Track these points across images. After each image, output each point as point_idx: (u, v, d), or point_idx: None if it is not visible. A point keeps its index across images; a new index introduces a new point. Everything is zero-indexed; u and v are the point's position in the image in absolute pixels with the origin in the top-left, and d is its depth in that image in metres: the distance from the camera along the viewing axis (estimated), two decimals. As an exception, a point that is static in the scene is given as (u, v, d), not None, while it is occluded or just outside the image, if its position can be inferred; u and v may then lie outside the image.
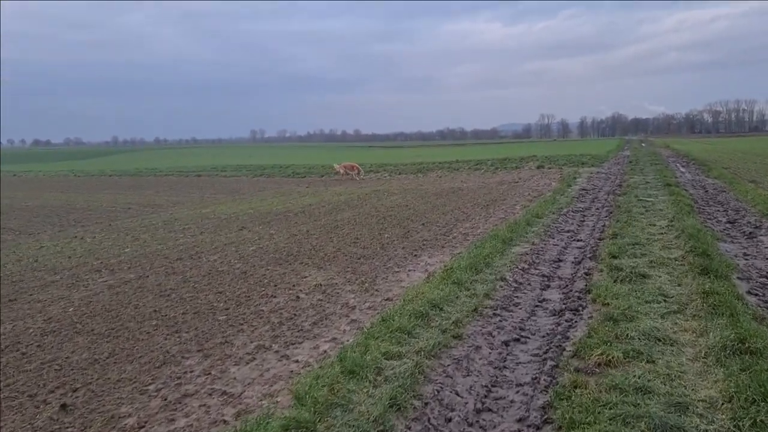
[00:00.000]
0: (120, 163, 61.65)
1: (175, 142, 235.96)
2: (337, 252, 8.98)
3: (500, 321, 5.15)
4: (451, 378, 3.98)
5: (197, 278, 7.84)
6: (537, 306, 5.61)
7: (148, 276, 8.31)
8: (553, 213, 11.11)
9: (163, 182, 29.36)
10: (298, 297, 6.56)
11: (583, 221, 10.41)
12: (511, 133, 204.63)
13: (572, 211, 11.40)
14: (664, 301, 5.32)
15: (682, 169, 22.48)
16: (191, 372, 4.53)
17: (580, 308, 5.37)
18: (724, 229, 9.16)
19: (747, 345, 3.94)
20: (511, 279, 6.42)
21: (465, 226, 10.88)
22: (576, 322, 5.03)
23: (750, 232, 8.74)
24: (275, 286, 7.14)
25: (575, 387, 3.64)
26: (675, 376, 3.76)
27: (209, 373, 4.48)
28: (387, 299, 6.29)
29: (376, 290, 6.69)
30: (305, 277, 7.54)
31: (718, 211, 11.01)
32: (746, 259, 7.13)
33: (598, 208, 11.83)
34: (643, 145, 68.19)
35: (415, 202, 15.31)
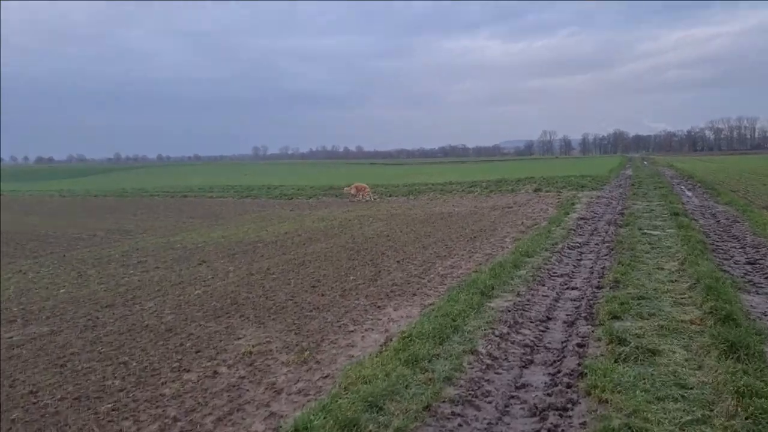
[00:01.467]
0: (116, 182, 60.72)
1: (177, 159, 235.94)
2: (288, 301, 7.63)
3: (458, 426, 3.79)
4: None
5: (113, 337, 6.51)
6: (513, 397, 4.25)
7: (62, 331, 7.00)
8: (546, 250, 9.75)
9: (145, 204, 28.15)
10: (215, 372, 5.21)
11: (580, 260, 9.05)
12: (513, 149, 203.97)
13: (568, 248, 10.04)
14: (682, 397, 3.95)
15: (689, 193, 21.12)
16: None
17: (570, 405, 4.01)
18: (745, 274, 7.79)
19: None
20: (483, 351, 5.06)
21: (445, 264, 9.54)
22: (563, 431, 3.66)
23: (777, 279, 7.37)
24: (197, 352, 5.79)
25: None
26: None
27: None
28: (326, 376, 4.95)
29: (317, 361, 5.34)
30: (238, 338, 6.20)
31: (735, 248, 9.64)
32: (779, 320, 5.76)
33: (597, 243, 10.47)
34: (645, 163, 67.06)
35: (398, 231, 13.99)
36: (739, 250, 9.45)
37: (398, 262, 9.93)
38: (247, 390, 4.79)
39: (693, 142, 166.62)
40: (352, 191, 24.90)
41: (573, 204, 17.71)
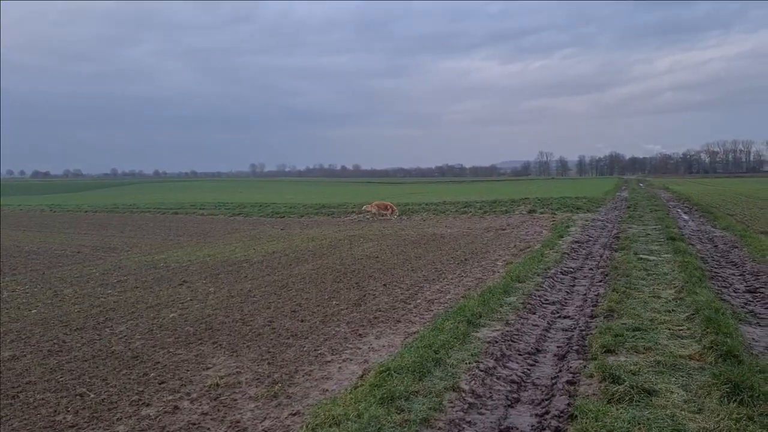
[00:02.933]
0: (109, 197, 60.41)
1: (174, 175, 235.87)
2: (265, 326, 7.24)
3: (435, 478, 3.40)
4: None
5: (75, 364, 6.11)
6: (496, 443, 3.86)
7: (24, 356, 6.61)
8: (538, 275, 9.39)
9: (134, 220, 27.73)
10: (176, 407, 4.80)
11: (573, 287, 8.70)
12: (510, 170, 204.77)
13: (561, 273, 9.69)
14: (682, 446, 3.58)
15: (685, 217, 20.86)
16: None
17: (557, 454, 3.63)
18: (745, 303, 7.45)
19: None
20: (466, 387, 4.68)
21: (433, 288, 9.17)
22: (548, 486, 3.28)
23: (778, 309, 7.03)
24: (160, 383, 5.39)
25: None
26: None
27: None
28: (295, 414, 4.56)
29: (288, 396, 4.95)
30: (208, 368, 5.80)
31: (734, 275, 9.31)
32: (782, 355, 5.40)
33: (591, 268, 10.12)
34: (641, 185, 67.18)
35: (388, 252, 13.63)
36: (738, 277, 9.12)
37: (385, 285, 9.56)
38: (208, 429, 4.39)
39: (689, 165, 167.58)
40: (373, 209, 24.57)
41: (567, 226, 17.39)
